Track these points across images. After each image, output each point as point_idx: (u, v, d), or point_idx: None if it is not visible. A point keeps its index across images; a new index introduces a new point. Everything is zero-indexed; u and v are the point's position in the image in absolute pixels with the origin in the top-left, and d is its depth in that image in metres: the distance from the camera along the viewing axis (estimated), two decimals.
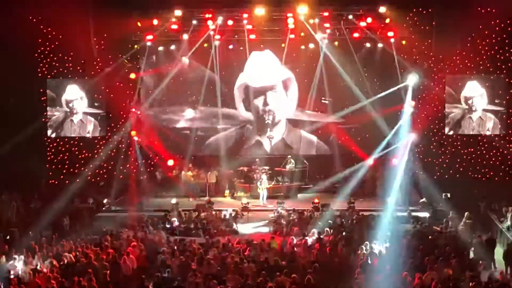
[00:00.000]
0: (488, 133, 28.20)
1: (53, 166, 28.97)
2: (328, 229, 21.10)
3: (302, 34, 27.88)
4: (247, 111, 29.63)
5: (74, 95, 28.92)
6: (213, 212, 24.34)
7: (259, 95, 29.31)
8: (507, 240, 20.56)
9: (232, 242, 19.72)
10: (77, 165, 28.87)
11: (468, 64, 28.08)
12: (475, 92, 28.12)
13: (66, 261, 17.55)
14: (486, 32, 27.59)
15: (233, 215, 24.16)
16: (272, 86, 29.24)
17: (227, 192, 28.39)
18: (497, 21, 27.54)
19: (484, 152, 28.32)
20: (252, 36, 28.07)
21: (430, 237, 20.13)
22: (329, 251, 18.36)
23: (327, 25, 27.28)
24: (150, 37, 27.69)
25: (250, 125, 29.82)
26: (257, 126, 29.73)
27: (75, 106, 28.94)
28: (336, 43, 28.24)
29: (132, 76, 28.42)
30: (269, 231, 22.62)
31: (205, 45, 28.39)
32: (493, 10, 27.28)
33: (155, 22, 27.26)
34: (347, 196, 25.58)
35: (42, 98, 28.81)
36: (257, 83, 29.18)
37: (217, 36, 28.03)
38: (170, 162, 28.31)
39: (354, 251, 18.31)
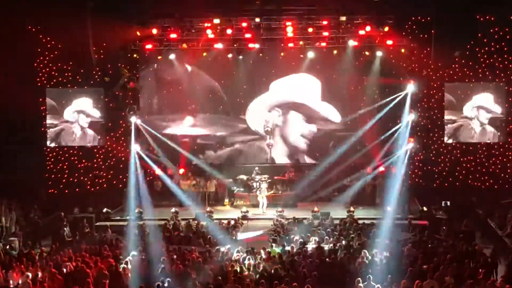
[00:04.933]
0: (488, 141, 28.19)
1: (53, 176, 28.93)
2: (327, 237, 21.09)
3: (301, 43, 27.87)
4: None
5: (80, 105, 28.96)
6: (213, 221, 24.32)
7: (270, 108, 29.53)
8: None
9: (231, 251, 19.72)
10: (76, 174, 28.87)
11: (467, 72, 28.12)
12: (481, 102, 28.11)
13: (65, 270, 17.51)
14: (485, 40, 27.70)
15: (232, 223, 24.13)
16: (286, 103, 29.48)
17: (226, 201, 28.39)
18: (496, 28, 27.64)
19: (484, 160, 28.31)
20: (251, 45, 28.05)
21: (430, 245, 20.09)
22: (328, 260, 18.32)
23: (325, 33, 27.27)
24: (149, 46, 27.70)
25: (252, 134, 29.85)
26: (258, 133, 29.79)
27: (79, 116, 28.98)
28: (335, 51, 28.20)
29: (131, 85, 28.43)
30: (268, 240, 22.57)
31: (204, 54, 28.40)
32: (492, 18, 27.38)
33: (154, 31, 27.19)
34: (347, 204, 25.62)
35: (42, 108, 28.82)
36: (273, 98, 29.44)
37: (217, 45, 27.99)
38: (182, 171, 28.38)
39: (354, 260, 18.27)
